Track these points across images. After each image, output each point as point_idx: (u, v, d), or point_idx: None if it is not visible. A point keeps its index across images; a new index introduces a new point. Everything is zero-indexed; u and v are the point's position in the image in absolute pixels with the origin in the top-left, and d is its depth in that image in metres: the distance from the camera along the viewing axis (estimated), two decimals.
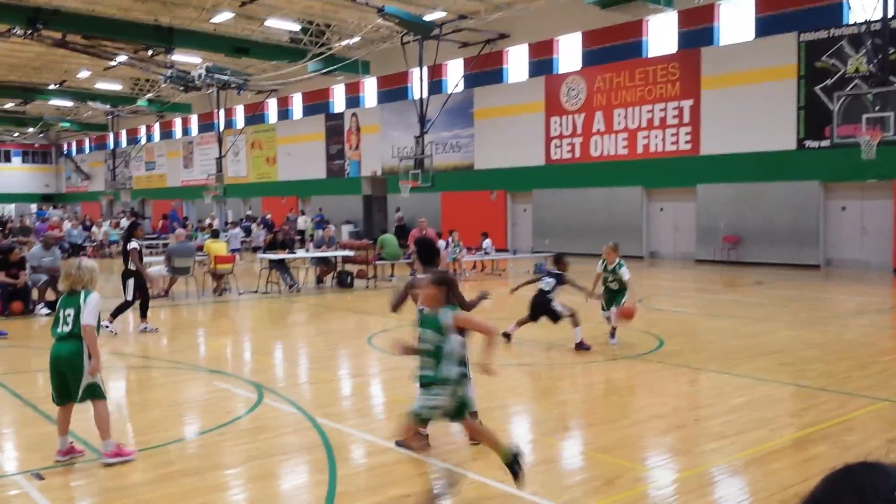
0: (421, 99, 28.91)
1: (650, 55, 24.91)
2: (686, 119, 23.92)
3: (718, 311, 13.77)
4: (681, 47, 24.00)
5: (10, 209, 57.15)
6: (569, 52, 27.33)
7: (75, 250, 27.29)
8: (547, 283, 10.05)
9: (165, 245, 18.83)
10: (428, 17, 26.35)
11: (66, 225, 29.89)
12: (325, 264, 18.40)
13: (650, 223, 25.52)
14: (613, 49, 25.66)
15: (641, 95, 24.96)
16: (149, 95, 41.82)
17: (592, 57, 26.36)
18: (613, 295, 10.32)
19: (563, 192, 27.25)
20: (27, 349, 10.19)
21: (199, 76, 31.62)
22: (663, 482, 5.38)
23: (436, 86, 30.84)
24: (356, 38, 30.07)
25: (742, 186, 22.67)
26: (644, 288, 17.61)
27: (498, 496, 5.09)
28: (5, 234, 28.19)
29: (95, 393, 5.70)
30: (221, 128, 39.19)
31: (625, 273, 10.09)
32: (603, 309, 10.44)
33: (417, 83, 29.16)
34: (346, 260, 18.80)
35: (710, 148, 23.41)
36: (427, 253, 6.49)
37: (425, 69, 28.53)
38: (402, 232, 24.04)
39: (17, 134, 58.74)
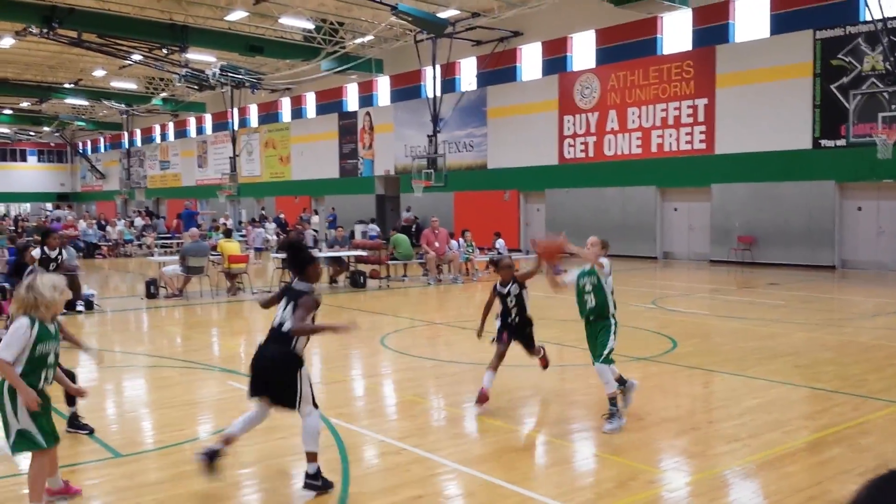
0: (434, 98, 28.92)
1: (664, 53, 24.80)
2: (700, 118, 23.80)
3: (732, 312, 13.70)
4: (695, 45, 23.89)
5: (25, 208, 57.57)
6: (582, 50, 27.26)
7: (90, 249, 27.57)
8: None
9: (180, 245, 18.94)
10: (441, 15, 26.36)
11: (82, 224, 30.12)
12: (337, 264, 18.44)
13: (664, 223, 25.42)
14: (627, 47, 25.56)
15: (656, 94, 24.85)
16: (163, 94, 42.06)
17: (606, 55, 26.27)
18: (593, 321, 6.81)
19: (577, 191, 27.18)
20: None
21: (214, 75, 31.78)
22: (677, 484, 5.36)
23: (449, 84, 30.84)
24: (369, 37, 30.10)
25: (757, 186, 22.53)
26: (657, 289, 17.57)
27: (510, 496, 5.10)
28: (20, 233, 28.42)
29: (26, 443, 4.65)
30: (235, 127, 39.31)
31: (605, 261, 6.69)
32: (595, 357, 6.68)
33: (430, 82, 29.17)
34: (358, 260, 18.84)
35: (724, 147, 23.29)
36: (295, 261, 5.34)
37: (438, 67, 28.52)
38: (409, 231, 23.98)
39: (32, 133, 59.18)
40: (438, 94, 28.62)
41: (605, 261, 6.70)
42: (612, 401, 6.52)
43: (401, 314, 14.26)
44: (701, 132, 23.82)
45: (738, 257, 22.85)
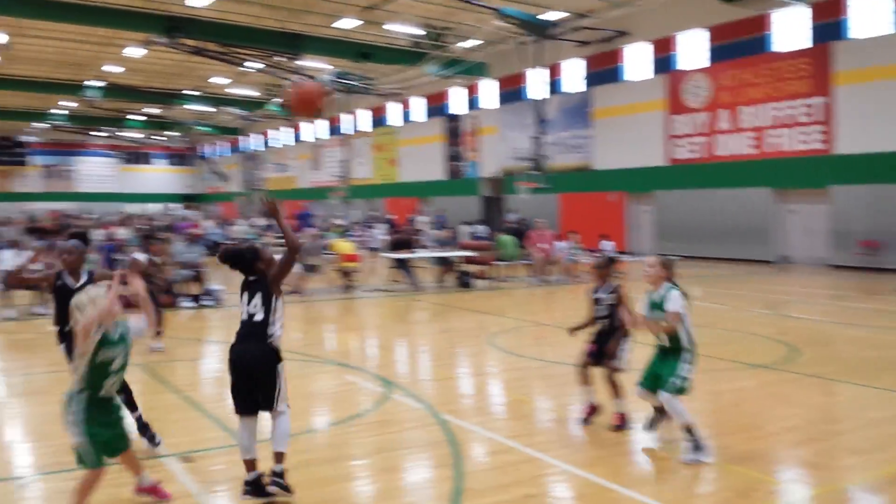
0: (538, 99, 28.78)
1: (778, 50, 23.79)
2: (818, 117, 22.70)
3: (855, 319, 13.03)
4: (810, 42, 22.81)
5: (154, 209, 60.81)
6: (691, 49, 26.48)
7: (215, 247, 29.04)
8: None
9: None
10: (545, 17, 26.24)
11: (207, 223, 31.73)
12: (445, 264, 18.70)
13: (780, 226, 24.39)
14: (738, 45, 24.67)
15: (769, 92, 23.89)
16: (279, 100, 43.68)
17: (716, 53, 25.44)
18: (661, 357, 6.04)
19: (687, 192, 26.46)
20: (172, 339, 10.94)
21: (326, 81, 32.79)
22: (798, 497, 5.21)
23: (553, 86, 30.65)
24: (475, 40, 30.31)
25: (880, 188, 21.28)
26: (774, 294, 16.90)
27: (624, 500, 5.09)
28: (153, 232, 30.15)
29: (79, 458, 4.58)
30: (347, 131, 40.29)
31: (674, 302, 5.87)
32: (642, 383, 6.15)
33: (535, 83, 29.07)
34: (466, 260, 19.04)
35: (844, 147, 22.12)
36: (241, 264, 5.23)
37: (543, 69, 28.39)
38: (515, 232, 23.98)
39: (160, 137, 62.69)
40: (543, 95, 28.49)
41: (676, 306, 5.85)
42: (689, 430, 5.76)
43: (507, 314, 14.34)
44: (819, 132, 22.73)
45: (860, 262, 21.66)
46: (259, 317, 5.04)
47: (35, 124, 53.58)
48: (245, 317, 5.11)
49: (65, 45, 32.40)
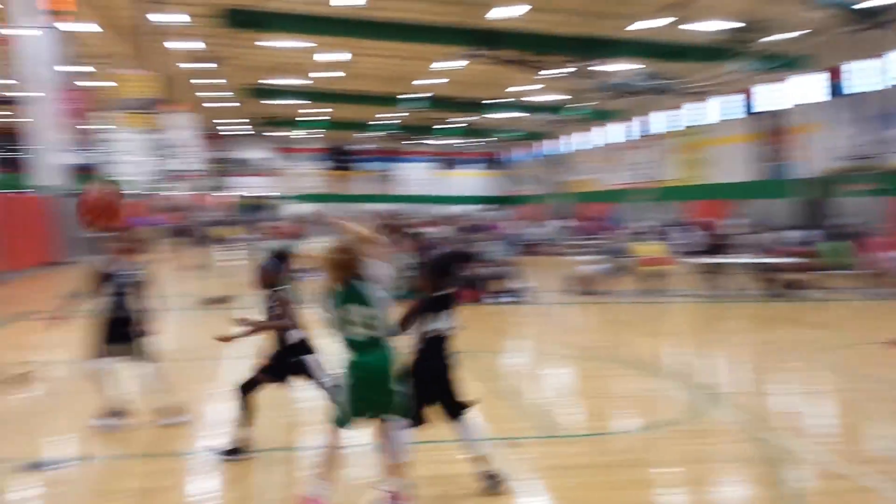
0: (868, 93, 25.56)
1: None
2: None
3: None
4: None
5: (464, 210, 64.40)
6: None
7: (520, 247, 29.88)
8: None
9: (598, 246, 19.62)
10: (873, 4, 23.11)
11: (510, 224, 32.93)
12: (763, 271, 17.29)
13: None
14: None
15: None
16: (581, 104, 43.90)
17: None
18: None
19: None
20: (477, 332, 11.34)
21: (631, 83, 32.29)
22: None
23: (886, 77, 27.00)
24: (792, 32, 27.71)
25: None
26: None
27: None
28: (463, 231, 31.85)
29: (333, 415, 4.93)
30: (648, 132, 39.21)
31: None
32: None
33: (864, 76, 25.90)
34: (785, 268, 17.44)
35: None
36: (445, 274, 5.12)
37: (874, 60, 25.17)
38: (845, 238, 21.41)
39: (469, 143, 66.68)
40: (874, 88, 25.32)
41: None
42: None
43: (837, 329, 12.84)
44: None
45: None
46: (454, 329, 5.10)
47: (357, 134, 60.16)
48: (446, 331, 5.03)
49: (389, 62, 35.76)
